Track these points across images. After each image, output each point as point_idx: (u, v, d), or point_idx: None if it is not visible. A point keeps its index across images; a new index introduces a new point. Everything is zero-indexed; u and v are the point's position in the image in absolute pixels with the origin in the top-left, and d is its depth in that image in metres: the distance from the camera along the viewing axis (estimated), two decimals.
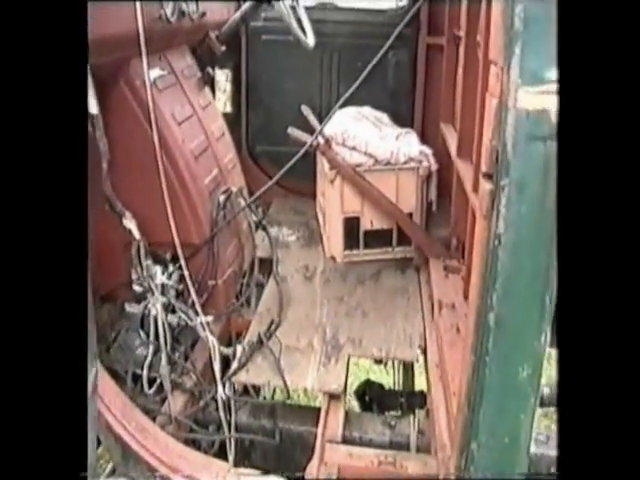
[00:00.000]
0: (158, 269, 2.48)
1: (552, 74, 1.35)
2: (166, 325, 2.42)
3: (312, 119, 3.31)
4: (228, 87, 4.45)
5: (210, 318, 2.53)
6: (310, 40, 3.24)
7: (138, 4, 2.29)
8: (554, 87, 1.36)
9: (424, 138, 3.83)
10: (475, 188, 2.45)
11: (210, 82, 3.39)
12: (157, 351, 2.44)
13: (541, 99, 1.37)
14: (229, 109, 4.46)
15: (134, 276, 2.55)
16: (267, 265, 3.28)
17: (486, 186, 1.47)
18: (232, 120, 4.15)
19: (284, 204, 4.26)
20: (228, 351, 2.57)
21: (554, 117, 1.37)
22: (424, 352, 2.75)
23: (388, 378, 3.91)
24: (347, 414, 2.47)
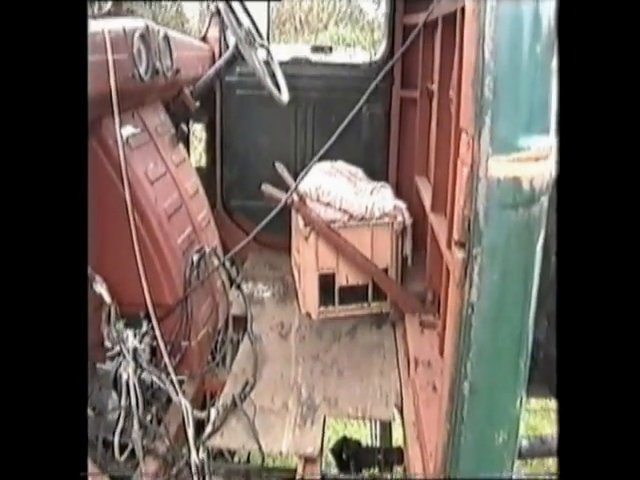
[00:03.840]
0: (130, 333, 2.43)
1: (523, 142, 1.36)
2: (138, 390, 2.36)
3: (286, 176, 3.32)
4: (204, 137, 4.47)
5: (183, 378, 2.48)
6: (284, 96, 3.25)
7: (111, 66, 2.29)
8: (525, 155, 1.37)
9: (399, 191, 3.86)
10: (449, 244, 2.45)
11: (184, 138, 3.38)
12: (129, 415, 2.38)
13: (512, 167, 1.38)
14: (204, 163, 4.46)
15: (106, 336, 2.50)
16: (242, 323, 3.24)
17: (459, 255, 1.46)
18: (207, 174, 4.15)
19: (259, 259, 4.24)
20: (202, 414, 2.51)
21: (526, 184, 1.38)
22: (400, 410, 2.71)
23: (366, 431, 3.87)
24: (323, 478, 2.42)
